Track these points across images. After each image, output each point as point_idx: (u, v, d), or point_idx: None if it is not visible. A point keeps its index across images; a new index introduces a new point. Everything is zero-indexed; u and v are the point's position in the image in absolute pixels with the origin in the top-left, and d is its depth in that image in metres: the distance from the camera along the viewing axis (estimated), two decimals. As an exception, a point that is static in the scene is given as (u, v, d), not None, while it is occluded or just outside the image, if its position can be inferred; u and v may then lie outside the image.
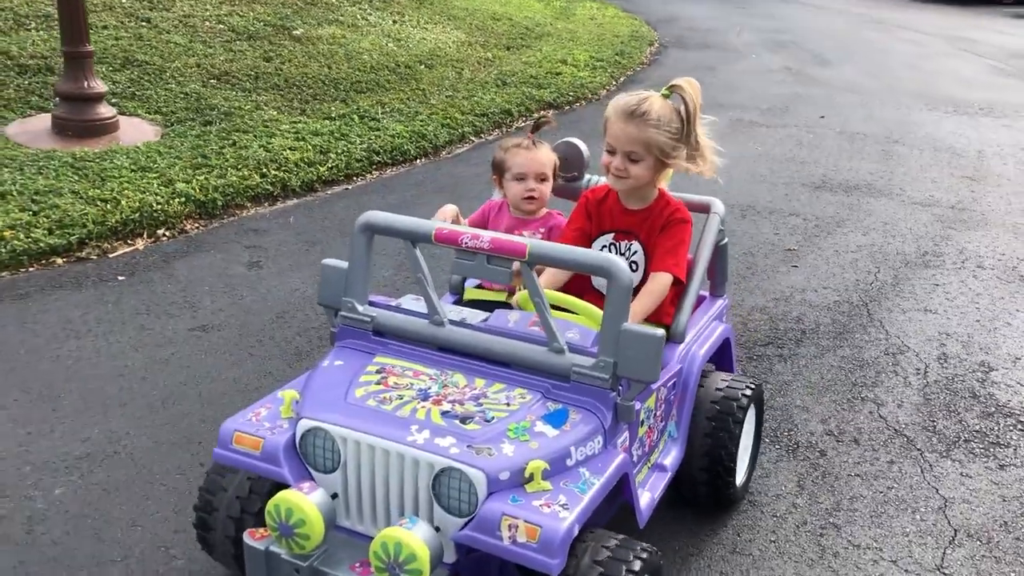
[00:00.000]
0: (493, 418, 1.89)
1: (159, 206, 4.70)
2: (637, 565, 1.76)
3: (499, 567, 1.93)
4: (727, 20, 13.34)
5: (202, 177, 5.06)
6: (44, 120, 5.68)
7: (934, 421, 3.15)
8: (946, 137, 7.09)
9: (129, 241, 4.53)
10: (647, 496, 2.22)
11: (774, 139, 6.85)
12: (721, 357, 2.74)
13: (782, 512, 2.63)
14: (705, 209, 2.61)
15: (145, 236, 4.59)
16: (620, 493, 2.04)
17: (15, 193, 4.55)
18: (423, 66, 8.00)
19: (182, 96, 6.30)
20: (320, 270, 2.17)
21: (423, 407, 1.92)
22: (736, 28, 12.51)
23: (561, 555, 1.67)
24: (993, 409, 3.24)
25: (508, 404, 1.94)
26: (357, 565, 1.83)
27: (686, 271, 2.41)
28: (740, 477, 2.61)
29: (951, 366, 3.56)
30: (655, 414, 2.27)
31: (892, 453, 2.95)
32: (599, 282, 2.45)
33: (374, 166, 5.89)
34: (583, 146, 2.80)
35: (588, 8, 12.55)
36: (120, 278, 4.07)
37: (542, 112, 2.25)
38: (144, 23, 7.39)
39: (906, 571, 2.39)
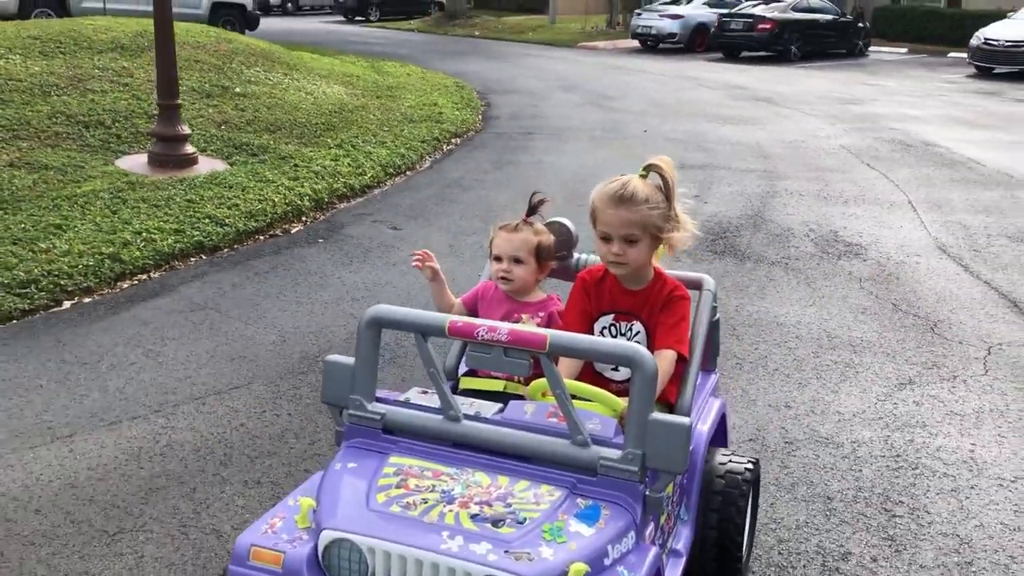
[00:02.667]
0: (525, 519, 1.89)
1: (292, 203, 6.93)
2: None
3: None
4: (511, 72, 16.78)
5: (302, 186, 7.30)
6: (140, 157, 7.58)
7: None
8: (730, 136, 10.76)
9: (285, 227, 6.72)
10: None
11: (624, 146, 10.09)
12: (716, 431, 2.76)
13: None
14: (696, 285, 2.68)
15: (298, 221, 6.81)
16: None
17: (206, 198, 6.61)
18: (347, 111, 10.43)
19: (213, 137, 8.35)
20: (323, 367, 2.19)
21: (450, 511, 1.92)
22: (523, 77, 15.95)
23: None
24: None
25: (537, 503, 1.94)
26: None
27: (689, 348, 2.48)
28: (745, 552, 2.68)
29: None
30: (672, 500, 2.29)
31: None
32: (600, 365, 2.52)
33: (388, 175, 8.35)
34: (570, 224, 2.85)
35: (396, 67, 15.29)
36: (320, 240, 6.32)
37: (536, 192, 2.73)
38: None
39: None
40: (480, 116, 11.80)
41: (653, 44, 23.63)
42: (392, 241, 6.36)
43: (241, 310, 5.02)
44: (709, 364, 2.84)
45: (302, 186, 7.34)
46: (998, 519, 3.16)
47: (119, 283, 5.45)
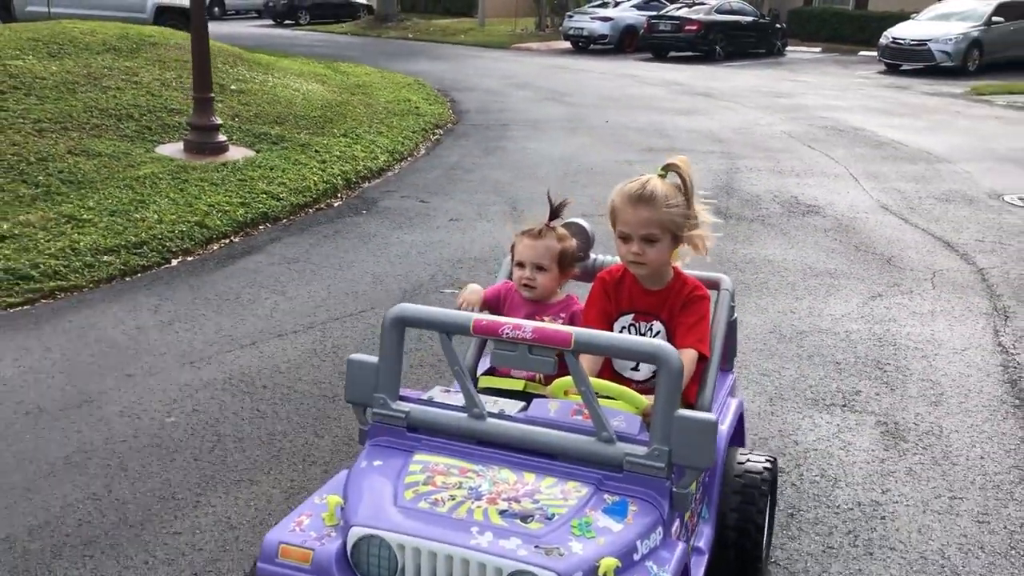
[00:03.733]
0: (553, 515, 1.93)
1: (330, 180, 8.02)
2: None
3: None
4: (460, 72, 17.96)
5: (332, 168, 8.39)
6: (175, 146, 8.53)
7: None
8: (684, 125, 12.18)
9: (328, 202, 7.81)
10: None
11: (594, 134, 11.41)
12: (734, 431, 2.81)
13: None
14: (714, 285, 2.73)
15: (335, 197, 7.90)
16: None
17: (251, 178, 7.67)
18: (335, 106, 11.47)
19: (231, 128, 9.34)
20: (346, 366, 2.23)
21: (479, 507, 1.96)
22: (474, 76, 17.17)
23: None
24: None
25: (565, 499, 1.98)
26: None
27: (710, 347, 2.52)
28: (764, 549, 2.73)
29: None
30: (695, 498, 2.33)
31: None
32: (620, 364, 2.57)
33: (395, 160, 9.47)
34: (587, 224, 2.90)
35: (351, 68, 16.23)
36: (363, 212, 7.44)
37: (555, 196, 2.85)
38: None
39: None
40: (451, 111, 12.96)
41: (584, 45, 25.13)
42: (426, 211, 7.51)
43: (329, 262, 6.11)
44: (726, 364, 2.89)
45: (332, 168, 8.42)
46: (957, 371, 4.53)
47: (209, 245, 6.47)
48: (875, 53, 22.24)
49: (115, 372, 4.33)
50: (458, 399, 2.25)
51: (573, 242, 2.77)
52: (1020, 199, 8.29)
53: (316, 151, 8.95)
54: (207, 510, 3.23)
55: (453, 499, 1.98)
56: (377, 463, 2.14)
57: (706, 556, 2.44)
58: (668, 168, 2.53)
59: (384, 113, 11.54)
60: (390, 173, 9.04)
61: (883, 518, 3.27)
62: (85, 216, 6.46)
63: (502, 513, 1.95)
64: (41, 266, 5.61)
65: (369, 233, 6.83)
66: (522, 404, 2.29)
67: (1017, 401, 4.22)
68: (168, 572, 2.89)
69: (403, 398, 2.25)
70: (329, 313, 5.15)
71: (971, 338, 4.95)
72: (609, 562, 1.82)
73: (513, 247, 2.78)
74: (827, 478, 3.53)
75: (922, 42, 20.58)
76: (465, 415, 2.18)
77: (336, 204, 7.77)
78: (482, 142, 10.70)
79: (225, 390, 4.16)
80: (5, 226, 6.11)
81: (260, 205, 7.20)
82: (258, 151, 8.84)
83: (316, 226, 7.03)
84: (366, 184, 8.51)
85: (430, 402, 2.28)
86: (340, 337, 4.80)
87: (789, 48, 25.96)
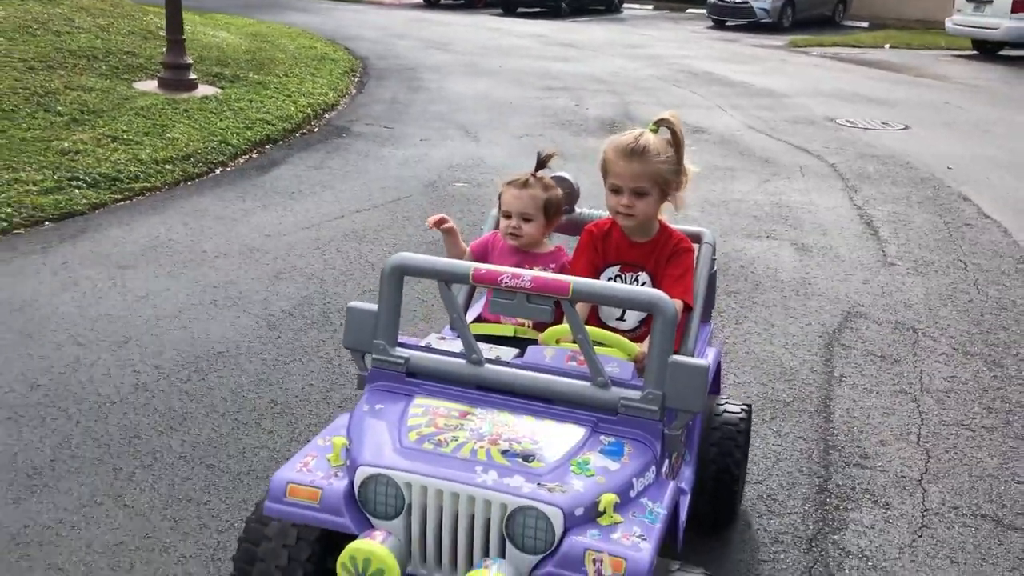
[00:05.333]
0: (553, 455, 2.07)
1: (300, 111, 9.65)
2: None
3: None
4: (334, 24, 19.36)
5: (297, 101, 9.99)
6: (148, 83, 9.88)
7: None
8: (567, 70, 14.33)
9: (308, 128, 9.44)
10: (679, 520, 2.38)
11: (493, 78, 13.33)
12: (712, 379, 2.96)
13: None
14: (696, 239, 2.88)
15: (310, 125, 9.54)
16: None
17: (226, 112, 9.22)
18: (256, 51, 12.85)
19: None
20: (345, 313, 2.34)
21: (481, 447, 2.07)
22: (350, 27, 18.68)
23: None
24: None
25: (563, 440, 2.13)
26: None
27: (693, 298, 2.71)
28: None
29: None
30: (681, 441, 2.42)
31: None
32: (606, 314, 2.76)
33: (339, 96, 11.12)
34: (572, 178, 3.05)
35: (229, 19, 17.26)
36: (343, 136, 9.15)
37: (543, 149, 2.97)
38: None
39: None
40: (352, 57, 14.56)
41: (435, 0, 26.84)
42: (395, 135, 9.29)
43: (347, 169, 7.85)
44: (705, 316, 3.00)
45: (298, 102, 10.03)
46: (832, 217, 6.91)
47: (236, 159, 8.05)
48: (702, 11, 25.25)
49: (254, 234, 5.99)
50: (454, 346, 2.40)
51: (559, 191, 2.90)
52: (848, 121, 10.98)
53: (276, 88, 10.49)
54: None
55: (456, 440, 2.10)
56: (379, 407, 2.25)
57: (688, 496, 2.61)
58: (660, 123, 2.67)
59: (303, 58, 13.03)
60: (339, 108, 10.69)
61: (808, 282, 5.53)
62: (126, 136, 7.88)
63: (504, 453, 2.06)
64: (122, 172, 7.07)
65: (362, 150, 8.57)
66: (516, 351, 2.45)
67: (869, 229, 6.64)
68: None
69: (401, 345, 2.36)
70: (382, 197, 6.95)
71: (835, 201, 7.38)
72: (609, 497, 1.97)
73: (500, 196, 2.89)
74: (770, 269, 5.77)
75: (745, 0, 23.70)
76: (464, 361, 2.30)
77: (315, 130, 9.41)
78: (402, 82, 12.44)
79: (347, 240, 5.94)
80: (66, 144, 7.47)
81: (260, 129, 8.78)
82: (223, 88, 10.28)
83: (313, 145, 8.69)
84: (328, 115, 10.15)
85: (428, 348, 2.40)
86: (405, 211, 6.63)
87: (625, 5, 28.69)
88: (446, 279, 2.27)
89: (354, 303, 2.36)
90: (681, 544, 2.28)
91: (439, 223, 2.93)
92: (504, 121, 10.09)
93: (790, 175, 8.20)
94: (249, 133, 8.58)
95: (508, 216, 2.86)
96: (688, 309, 2.70)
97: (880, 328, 4.94)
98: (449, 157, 8.34)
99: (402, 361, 2.32)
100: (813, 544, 3.09)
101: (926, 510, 3.32)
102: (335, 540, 2.10)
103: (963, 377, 4.40)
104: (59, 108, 8.41)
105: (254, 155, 8.24)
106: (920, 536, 3.17)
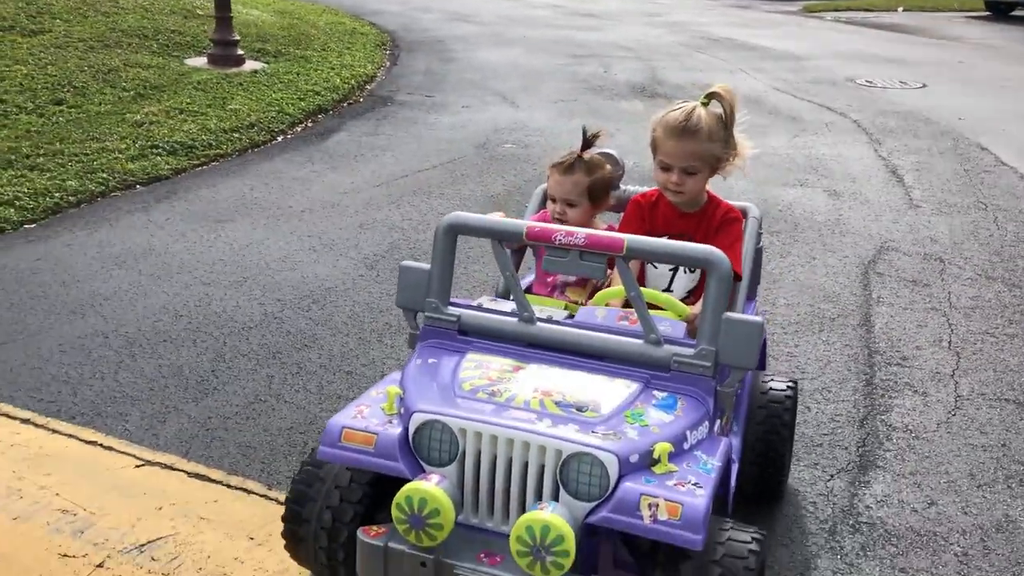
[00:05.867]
0: (608, 407, 2.12)
1: (344, 83, 10.24)
2: (755, 545, 2.00)
3: (612, 557, 2.20)
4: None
5: (341, 74, 10.58)
6: (198, 59, 10.48)
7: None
8: (592, 38, 14.86)
9: (354, 99, 10.03)
10: (731, 484, 2.41)
11: (521, 46, 13.87)
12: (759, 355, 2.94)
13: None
14: (743, 215, 2.89)
15: (355, 96, 10.14)
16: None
17: (285, 83, 9.81)
18: (289, 28, 13.43)
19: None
20: (398, 272, 2.41)
21: (535, 397, 2.13)
22: (372, 2, 19.20)
23: (703, 531, 1.87)
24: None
25: (616, 394, 2.17)
26: (483, 555, 2.01)
27: (742, 268, 2.71)
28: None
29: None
30: (733, 399, 2.47)
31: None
32: (654, 283, 2.77)
33: (376, 69, 11.70)
34: (617, 155, 3.05)
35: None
36: (388, 104, 9.75)
37: (589, 127, 2.97)
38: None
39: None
40: (380, 31, 15.11)
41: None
42: (437, 103, 9.87)
43: (401, 135, 8.45)
44: (751, 292, 3.00)
45: (341, 74, 10.61)
46: (860, 166, 7.49)
47: (294, 128, 8.66)
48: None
49: (330, 192, 6.61)
50: (506, 306, 2.46)
51: (605, 172, 2.88)
52: (867, 81, 11.53)
53: (317, 61, 11.07)
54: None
55: (509, 391, 2.14)
56: (432, 361, 2.31)
57: (736, 464, 2.61)
58: (711, 96, 2.65)
59: (335, 33, 13.58)
60: (377, 80, 11.27)
61: (841, 222, 6.12)
62: (191, 108, 8.49)
63: (558, 403, 2.10)
64: (195, 141, 7.69)
65: (409, 117, 9.16)
66: (566, 312, 2.53)
67: (895, 176, 7.23)
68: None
69: (453, 304, 2.41)
70: (438, 158, 7.55)
71: (861, 153, 7.97)
72: (664, 446, 2.00)
73: (548, 177, 2.90)
74: (806, 212, 6.36)
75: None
76: (515, 319, 2.34)
77: (361, 100, 10.00)
78: (433, 54, 13.00)
79: (415, 196, 6.55)
80: (138, 117, 8.08)
81: (312, 100, 9.38)
82: (267, 63, 10.87)
83: (363, 114, 9.29)
84: (368, 87, 10.73)
85: (480, 307, 2.46)
86: (461, 170, 7.24)
87: (637, -26, 29.05)
88: (500, 238, 2.31)
89: (407, 262, 2.42)
90: (731, 508, 2.32)
91: None
92: (537, 87, 10.66)
93: (817, 131, 8.77)
94: (302, 103, 9.18)
95: (554, 200, 2.89)
96: (737, 278, 2.67)
97: (910, 259, 5.53)
98: (493, 121, 8.92)
99: (454, 319, 2.38)
100: (864, 422, 3.71)
101: (958, 396, 3.93)
102: (386, 488, 2.16)
103: (986, 296, 5.00)
104: (123, 84, 9.01)
105: (309, 124, 8.84)
106: (954, 415, 3.78)
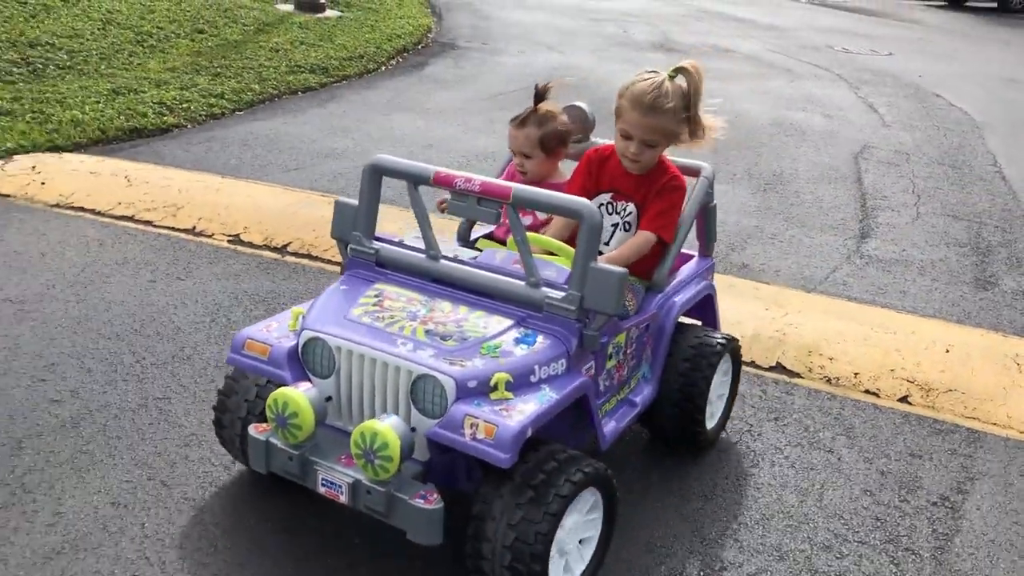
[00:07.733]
0: (469, 337, 2.40)
1: (415, 30, 12.55)
2: (578, 476, 2.27)
3: (466, 471, 2.50)
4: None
5: (409, 23, 12.89)
6: (287, 6, 12.70)
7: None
8: (603, 7, 17.27)
9: (425, 43, 12.34)
10: (612, 424, 2.77)
11: (543, 10, 16.23)
12: (705, 313, 3.33)
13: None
14: (695, 173, 3.11)
15: (424, 41, 12.45)
16: (590, 422, 2.54)
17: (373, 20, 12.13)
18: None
19: (317, -4, 13.55)
20: (333, 207, 2.70)
21: (410, 326, 2.43)
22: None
23: (511, 451, 2.15)
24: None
25: (485, 327, 2.45)
26: (343, 457, 2.36)
27: (673, 233, 2.90)
28: (711, 423, 3.20)
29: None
30: (625, 351, 2.80)
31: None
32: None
33: (428, 22, 14.01)
34: (587, 108, 3.28)
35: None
36: (454, 49, 12.08)
37: (539, 82, 3.25)
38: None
39: (742, 60, 12.34)
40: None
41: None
42: (493, 49, 12.22)
43: (479, 69, 10.78)
44: (705, 250, 3.31)
45: (410, 22, 12.93)
46: (846, 102, 10.04)
47: (390, 61, 10.97)
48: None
49: (450, 101, 8.93)
50: (449, 248, 2.76)
51: (556, 124, 3.08)
52: (843, 48, 14.17)
53: (384, 12, 13.36)
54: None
55: (392, 318, 2.47)
56: (343, 288, 2.65)
57: (637, 409, 2.92)
58: (679, 71, 2.83)
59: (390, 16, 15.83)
60: (433, 32, 13.58)
61: (835, 132, 8.64)
62: (308, 41, 10.77)
63: (427, 332, 2.41)
64: (325, 64, 9.97)
65: (477, 58, 11.51)
66: (476, 252, 2.84)
67: (871, 109, 9.80)
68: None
69: (378, 238, 2.72)
70: (515, 85, 9.88)
71: (844, 94, 10.57)
72: (502, 376, 2.27)
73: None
74: (808, 125, 8.88)
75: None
76: (423, 256, 2.65)
77: (430, 45, 12.32)
78: (470, 14, 15.32)
79: (512, 109, 8.89)
80: (272, 44, 10.34)
81: (397, 40, 11.70)
82: (342, 11, 13.13)
83: (438, 54, 11.62)
84: (430, 36, 13.05)
85: (399, 243, 2.75)
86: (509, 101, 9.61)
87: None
88: (413, 180, 2.58)
89: (340, 198, 2.74)
90: (605, 444, 2.65)
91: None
92: (572, 41, 13.06)
93: (808, 80, 11.34)
94: (388, 44, 11.48)
95: (512, 152, 3.17)
96: (663, 244, 2.91)
97: (885, 152, 8.07)
98: (547, 63, 11.31)
99: (373, 252, 2.69)
100: (862, 223, 6.21)
101: (918, 212, 6.45)
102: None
103: (937, 174, 7.55)
104: (243, 21, 11.24)
105: (399, 59, 11.15)
106: (916, 220, 6.30)
